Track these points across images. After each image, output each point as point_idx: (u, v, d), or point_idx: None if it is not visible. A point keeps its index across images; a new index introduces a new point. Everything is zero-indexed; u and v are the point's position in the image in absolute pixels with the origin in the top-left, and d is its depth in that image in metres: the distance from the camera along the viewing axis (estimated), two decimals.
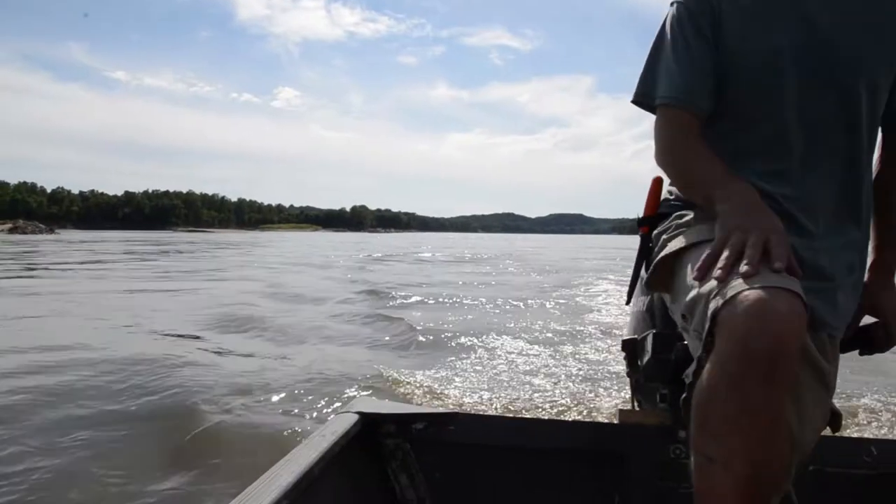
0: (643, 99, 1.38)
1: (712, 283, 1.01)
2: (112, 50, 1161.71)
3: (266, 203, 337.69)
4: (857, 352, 1.42)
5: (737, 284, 0.96)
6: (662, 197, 1.46)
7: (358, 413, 1.51)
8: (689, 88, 1.30)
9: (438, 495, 1.55)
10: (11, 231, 63.95)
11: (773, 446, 0.94)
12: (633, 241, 1.50)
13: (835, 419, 1.31)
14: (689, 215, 1.31)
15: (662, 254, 1.28)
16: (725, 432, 0.95)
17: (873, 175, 1.40)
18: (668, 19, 1.35)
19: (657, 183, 1.45)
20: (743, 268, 0.97)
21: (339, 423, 1.44)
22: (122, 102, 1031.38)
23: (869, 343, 1.40)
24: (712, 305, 0.98)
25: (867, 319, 1.42)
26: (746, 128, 1.31)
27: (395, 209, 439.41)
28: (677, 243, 1.26)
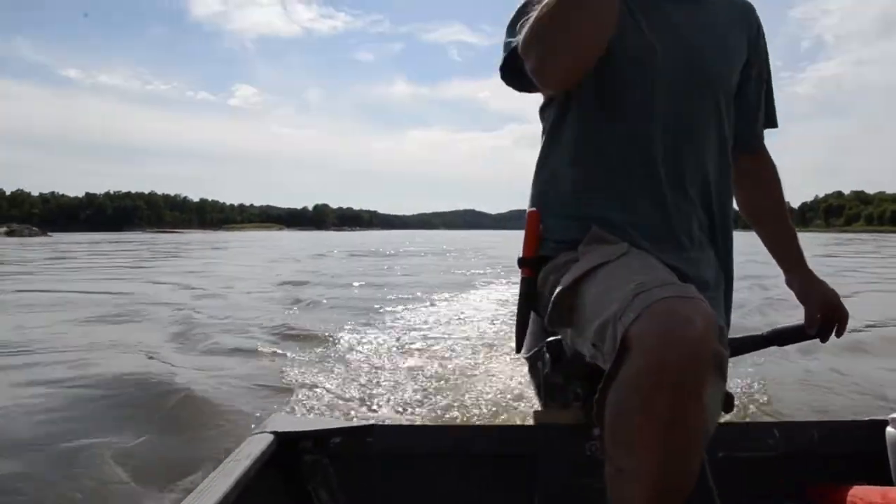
0: (508, 64, 1.28)
1: (618, 306, 0.98)
2: (62, 47, 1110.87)
3: (228, 203, 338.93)
4: (818, 341, 1.50)
5: (643, 298, 0.95)
6: (541, 235, 1.37)
7: (272, 432, 1.50)
8: None
9: None
10: (8, 234, 65.48)
11: (686, 457, 0.95)
12: None
13: (728, 402, 1.25)
14: (576, 253, 1.26)
15: (559, 289, 1.21)
16: (638, 446, 0.94)
17: (737, 198, 1.49)
18: None
19: (534, 218, 1.36)
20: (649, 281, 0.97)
21: (253, 445, 1.42)
22: (76, 100, 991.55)
23: (819, 333, 1.49)
24: (622, 324, 0.95)
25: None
26: (616, 124, 1.28)
27: (356, 207, 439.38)
28: (572, 275, 1.19)
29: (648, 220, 1.28)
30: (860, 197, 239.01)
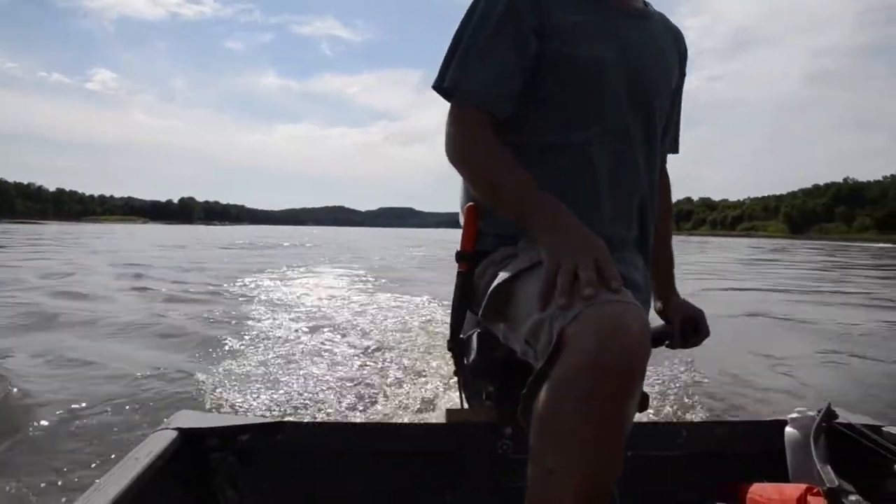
0: (441, 84, 1.32)
1: (554, 305, 1.00)
2: None
3: (88, 194, 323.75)
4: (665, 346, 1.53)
5: (581, 303, 0.96)
6: (478, 229, 1.38)
7: (177, 429, 1.44)
8: (496, 89, 1.27)
9: None
10: None
11: (616, 456, 0.94)
12: (456, 235, 1.46)
13: (643, 401, 1.27)
14: (515, 248, 1.29)
15: (496, 283, 1.23)
16: (570, 444, 0.93)
17: None
18: (481, 5, 1.31)
19: (472, 213, 1.37)
20: (585, 291, 0.96)
21: (155, 442, 1.35)
22: None
23: (669, 339, 1.53)
24: (558, 323, 0.97)
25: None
26: (565, 131, 1.31)
27: (223, 201, 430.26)
28: (509, 271, 1.21)
29: (586, 223, 1.19)
30: (707, 203, 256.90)
